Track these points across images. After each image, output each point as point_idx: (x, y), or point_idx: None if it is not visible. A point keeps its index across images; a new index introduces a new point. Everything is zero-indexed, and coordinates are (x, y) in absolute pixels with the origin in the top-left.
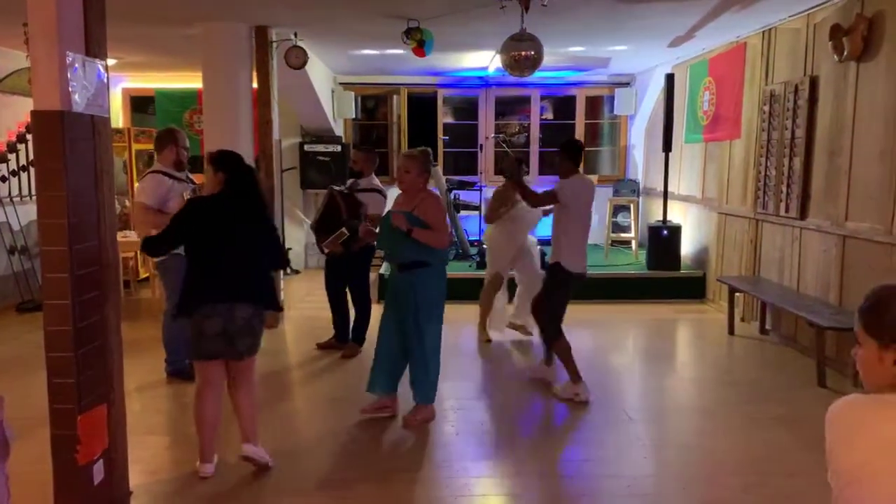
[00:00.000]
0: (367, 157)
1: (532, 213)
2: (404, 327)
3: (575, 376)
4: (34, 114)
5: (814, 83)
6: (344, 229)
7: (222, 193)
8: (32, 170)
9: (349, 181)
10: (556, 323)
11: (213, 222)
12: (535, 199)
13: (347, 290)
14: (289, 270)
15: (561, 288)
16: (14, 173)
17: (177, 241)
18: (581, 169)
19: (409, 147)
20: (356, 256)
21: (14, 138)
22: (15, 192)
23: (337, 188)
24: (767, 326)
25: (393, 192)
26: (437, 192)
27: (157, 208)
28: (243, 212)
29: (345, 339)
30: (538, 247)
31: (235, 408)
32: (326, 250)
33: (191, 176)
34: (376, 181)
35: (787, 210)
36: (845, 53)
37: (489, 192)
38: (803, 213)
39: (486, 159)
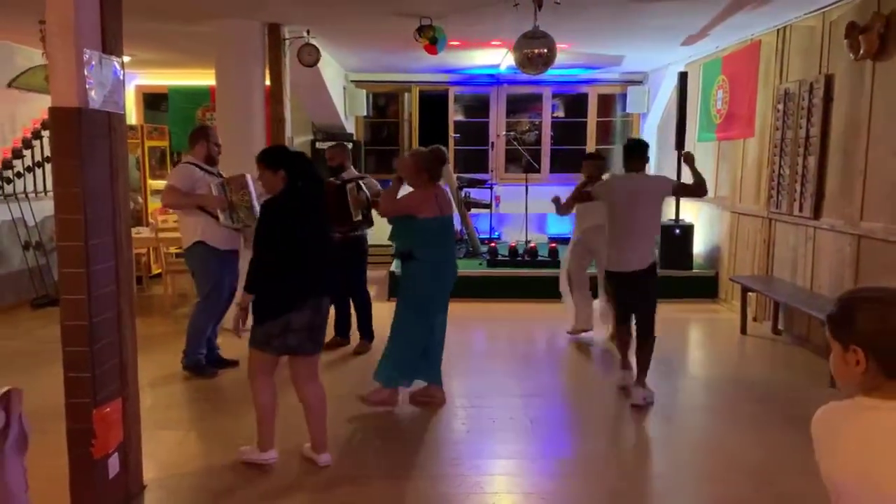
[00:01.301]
0: (343, 151)
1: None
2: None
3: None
4: (52, 110)
5: (829, 81)
6: (350, 186)
7: (288, 190)
8: (47, 166)
9: (331, 180)
10: (618, 320)
11: (293, 221)
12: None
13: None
14: None
15: (612, 286)
16: (29, 169)
17: (273, 252)
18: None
19: (419, 145)
20: (350, 252)
21: (29, 135)
22: (30, 188)
23: (337, 182)
24: (780, 326)
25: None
26: (446, 190)
27: (186, 192)
28: (313, 203)
29: (344, 333)
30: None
31: (307, 408)
32: (357, 217)
33: (220, 171)
34: (355, 171)
35: (800, 209)
36: (861, 52)
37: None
38: (817, 213)
39: (496, 157)
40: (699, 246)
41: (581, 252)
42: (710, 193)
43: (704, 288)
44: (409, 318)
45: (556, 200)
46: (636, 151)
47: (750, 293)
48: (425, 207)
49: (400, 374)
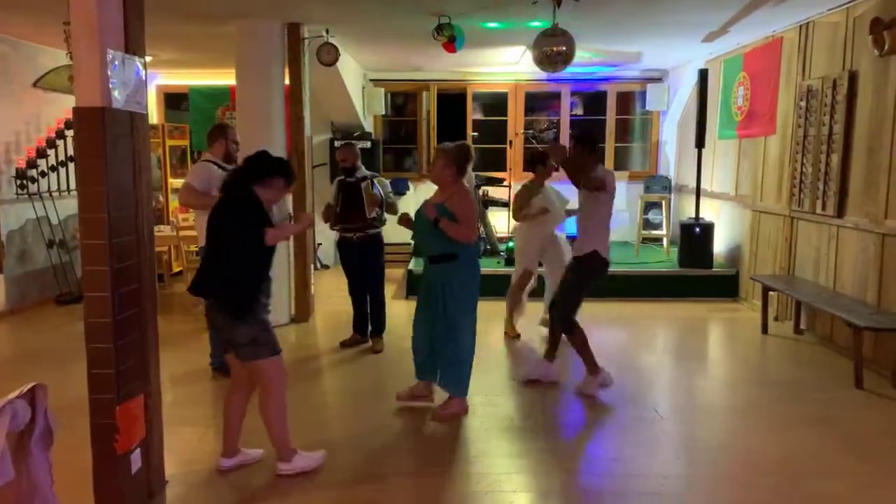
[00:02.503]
0: (353, 150)
1: (556, 208)
2: (433, 320)
3: (593, 367)
4: (76, 110)
5: (853, 78)
6: (365, 184)
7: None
8: (70, 165)
9: (341, 178)
10: (574, 313)
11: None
12: (588, 183)
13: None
14: (318, 265)
15: (596, 276)
16: (53, 168)
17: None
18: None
19: (437, 144)
20: (368, 250)
21: (53, 134)
22: (53, 186)
23: (350, 179)
24: (802, 326)
25: (422, 187)
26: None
27: (202, 191)
28: (224, 209)
29: (363, 331)
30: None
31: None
32: (371, 215)
33: None
34: (366, 170)
35: (823, 208)
36: (886, 47)
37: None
38: (841, 211)
39: (515, 155)
40: (720, 245)
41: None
42: (731, 191)
43: (725, 287)
44: (467, 322)
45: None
46: (596, 143)
47: (771, 292)
48: (476, 209)
49: (468, 378)
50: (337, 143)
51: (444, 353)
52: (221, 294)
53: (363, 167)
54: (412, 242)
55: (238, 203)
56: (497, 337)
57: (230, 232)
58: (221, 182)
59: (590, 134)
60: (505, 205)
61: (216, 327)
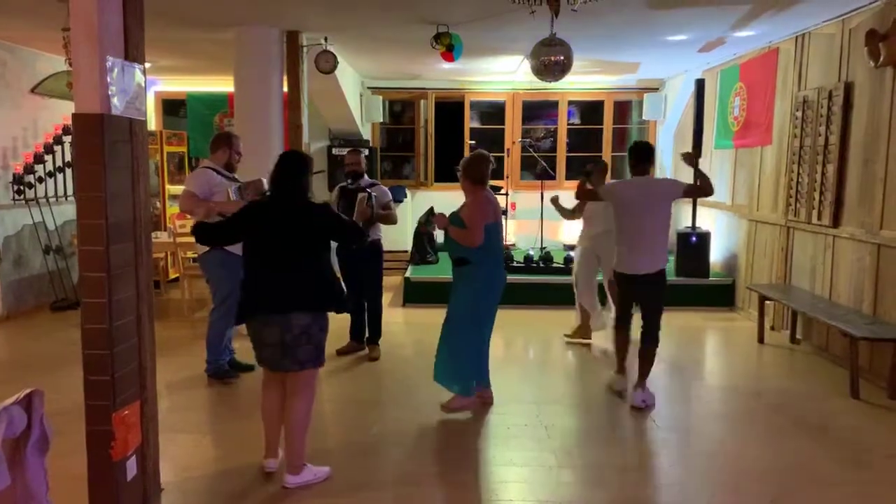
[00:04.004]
0: (361, 158)
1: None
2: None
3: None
4: (75, 116)
5: (848, 89)
6: (362, 195)
7: (271, 195)
8: (68, 171)
9: (346, 182)
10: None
11: (263, 225)
12: None
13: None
14: None
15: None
16: (50, 174)
17: (225, 235)
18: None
19: (435, 152)
20: (366, 257)
21: (51, 140)
22: (51, 192)
23: (351, 186)
24: (798, 335)
25: (420, 195)
26: (489, 195)
27: (203, 198)
28: (286, 213)
29: (359, 338)
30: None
31: (283, 423)
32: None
33: (237, 178)
34: (368, 178)
35: (819, 218)
36: (881, 59)
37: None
38: (836, 221)
39: (512, 163)
40: (716, 254)
41: (590, 259)
42: (728, 201)
43: (721, 296)
44: (466, 325)
45: (555, 201)
46: (643, 154)
47: (767, 302)
48: (485, 216)
49: (471, 377)
50: (335, 151)
51: (443, 349)
52: (329, 298)
53: (366, 176)
54: (409, 250)
55: (321, 208)
56: (498, 345)
57: (311, 229)
58: (273, 213)
59: (636, 146)
60: (503, 213)
61: (292, 342)
